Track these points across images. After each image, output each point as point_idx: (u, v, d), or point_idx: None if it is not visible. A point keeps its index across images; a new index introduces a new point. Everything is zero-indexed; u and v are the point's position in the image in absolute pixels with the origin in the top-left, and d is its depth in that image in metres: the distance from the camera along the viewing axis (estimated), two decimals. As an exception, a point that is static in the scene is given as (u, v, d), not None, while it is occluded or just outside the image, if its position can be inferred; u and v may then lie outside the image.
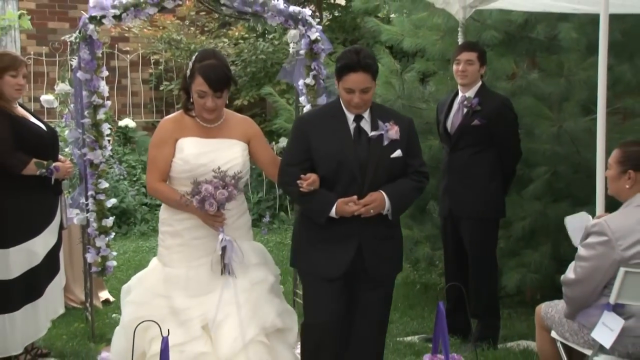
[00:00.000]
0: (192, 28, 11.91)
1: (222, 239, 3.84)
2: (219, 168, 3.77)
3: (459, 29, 6.00)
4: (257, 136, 4.12)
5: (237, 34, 11.70)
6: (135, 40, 11.84)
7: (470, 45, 5.36)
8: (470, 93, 5.20)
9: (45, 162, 4.65)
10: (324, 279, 3.82)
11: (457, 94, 5.30)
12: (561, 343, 3.86)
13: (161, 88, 11.86)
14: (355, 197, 3.71)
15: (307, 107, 5.68)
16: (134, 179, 10.14)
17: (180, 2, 5.56)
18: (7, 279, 4.63)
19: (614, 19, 4.82)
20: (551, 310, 3.94)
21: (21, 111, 4.75)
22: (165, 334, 3.23)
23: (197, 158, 3.88)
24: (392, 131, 3.77)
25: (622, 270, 3.47)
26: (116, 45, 11.60)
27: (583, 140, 5.65)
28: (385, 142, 3.78)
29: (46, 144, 4.76)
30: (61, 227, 4.98)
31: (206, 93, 3.83)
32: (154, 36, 11.59)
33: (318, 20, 6.10)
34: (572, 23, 5.88)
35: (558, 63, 6.08)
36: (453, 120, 5.26)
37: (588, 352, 3.68)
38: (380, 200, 3.74)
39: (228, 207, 3.86)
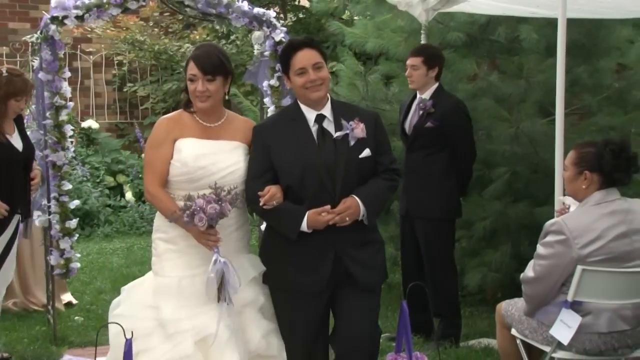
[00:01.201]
0: (155, 29, 11.84)
1: (217, 260, 3.44)
2: (215, 183, 3.42)
3: (422, 31, 6.05)
4: None
5: (198, 37, 11.67)
6: (98, 41, 11.74)
7: (415, 50, 5.38)
8: (426, 95, 5.25)
9: None
10: (303, 294, 3.57)
11: (415, 95, 5.36)
12: (521, 340, 3.91)
13: (125, 89, 11.77)
14: (327, 206, 3.46)
15: (271, 109, 5.69)
16: (97, 180, 10.04)
17: (144, 3, 5.52)
18: None
19: (572, 22, 4.91)
20: (511, 308, 3.99)
21: (5, 130, 4.71)
22: (129, 336, 3.22)
23: (196, 160, 3.55)
24: (358, 129, 3.53)
25: (579, 268, 3.53)
26: (79, 46, 11.49)
27: (541, 141, 5.73)
28: (352, 142, 3.54)
29: (14, 161, 4.70)
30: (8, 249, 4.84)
31: (196, 76, 3.53)
32: (117, 37, 11.49)
33: (282, 21, 6.11)
34: (531, 25, 5.97)
35: (518, 65, 6.17)
36: (410, 122, 5.32)
37: (547, 348, 3.72)
38: (354, 207, 3.49)
39: (229, 217, 3.50)
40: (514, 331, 3.96)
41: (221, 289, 3.46)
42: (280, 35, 5.61)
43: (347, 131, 3.55)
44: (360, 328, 3.59)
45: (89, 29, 11.17)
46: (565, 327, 3.58)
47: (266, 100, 5.79)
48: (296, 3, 12.33)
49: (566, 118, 4.67)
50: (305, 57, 3.52)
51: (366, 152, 3.57)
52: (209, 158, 3.56)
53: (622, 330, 3.64)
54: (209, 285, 3.46)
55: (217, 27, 10.24)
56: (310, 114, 3.60)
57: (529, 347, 3.91)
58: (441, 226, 5.27)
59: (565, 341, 3.58)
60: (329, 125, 3.60)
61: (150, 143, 3.68)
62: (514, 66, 6.19)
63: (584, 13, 5.60)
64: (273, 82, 5.68)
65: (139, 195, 9.78)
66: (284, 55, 3.60)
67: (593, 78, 6.15)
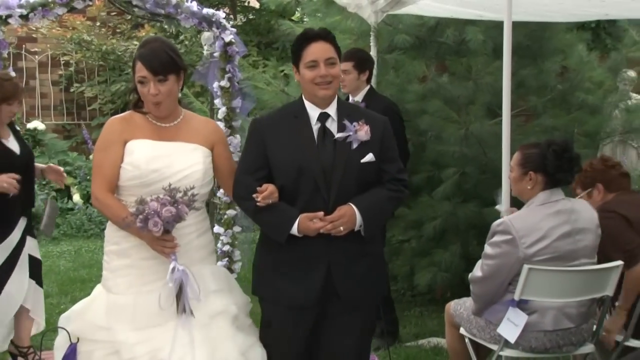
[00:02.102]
0: (103, 29, 11.68)
1: (174, 268, 3.17)
2: (169, 185, 3.16)
3: (371, 32, 6.09)
4: (221, 142, 3.53)
5: (145, 35, 11.56)
6: (43, 40, 11.53)
7: (346, 55, 5.32)
8: (359, 98, 5.29)
9: None
10: (291, 308, 3.32)
11: (348, 97, 5.38)
12: (469, 339, 3.96)
13: (72, 90, 11.58)
14: (320, 213, 3.21)
15: (222, 110, 5.65)
16: (44, 182, 9.84)
17: (91, 3, 5.43)
18: None
19: (518, 24, 4.99)
20: (460, 307, 4.04)
21: (2, 134, 4.60)
22: (74, 341, 3.17)
23: (149, 162, 3.27)
24: (362, 131, 3.26)
25: (525, 267, 3.58)
26: (23, 46, 11.27)
27: (489, 142, 5.82)
28: (354, 145, 3.26)
29: (14, 165, 4.54)
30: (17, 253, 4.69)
31: (146, 78, 3.26)
32: (64, 37, 11.30)
33: (232, 22, 6.08)
34: (479, 27, 6.05)
35: (466, 66, 6.25)
36: None
37: (494, 347, 3.78)
38: (350, 216, 3.22)
39: (184, 224, 3.23)
40: (462, 330, 4.00)
41: (180, 299, 3.21)
42: (229, 36, 5.58)
43: (350, 133, 3.28)
44: (342, 350, 3.40)
45: (34, 28, 10.96)
46: (512, 325, 3.63)
47: (216, 101, 5.75)
48: (246, 4, 12.30)
49: (513, 119, 4.74)
50: (318, 49, 3.27)
51: (369, 157, 3.28)
52: (162, 160, 3.30)
53: (566, 328, 3.71)
54: (165, 295, 3.20)
55: (166, 27, 10.14)
56: (313, 112, 3.34)
57: (477, 346, 3.96)
58: None
59: (512, 339, 3.64)
60: (331, 125, 3.33)
61: (99, 145, 3.42)
62: (462, 68, 6.26)
63: (529, 16, 5.69)
64: (223, 83, 5.63)
65: (87, 198, 9.63)
66: (296, 45, 3.33)
67: (538, 80, 6.27)
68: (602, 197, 4.12)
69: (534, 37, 6.26)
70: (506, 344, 3.69)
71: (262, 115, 3.67)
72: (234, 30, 5.68)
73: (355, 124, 3.28)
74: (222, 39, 5.58)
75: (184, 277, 3.19)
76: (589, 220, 3.78)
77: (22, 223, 4.67)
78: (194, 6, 5.45)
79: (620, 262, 3.79)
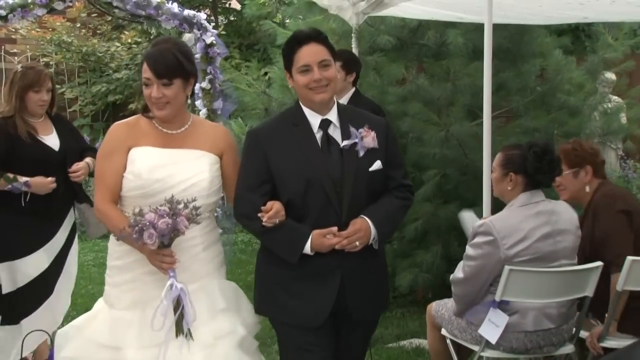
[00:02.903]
0: (83, 30, 11.61)
1: (172, 285, 2.94)
2: (172, 196, 2.92)
3: (352, 34, 6.08)
4: (230, 149, 3.28)
5: (130, 39, 11.50)
6: (23, 41, 11.44)
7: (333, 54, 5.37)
8: (344, 100, 5.23)
9: (12, 176, 4.32)
10: (304, 327, 3.08)
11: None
12: (451, 340, 3.96)
13: (52, 91, 11.49)
14: (334, 228, 3.00)
15: (203, 111, 5.64)
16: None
17: (71, 4, 5.41)
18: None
19: (498, 27, 5.00)
20: (441, 308, 4.04)
21: (35, 127, 4.48)
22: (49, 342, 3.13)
23: (151, 172, 3.05)
24: (368, 138, 3.07)
25: (506, 268, 3.58)
26: (3, 47, 11.17)
27: (470, 143, 5.83)
28: (361, 153, 3.07)
29: (50, 162, 4.44)
30: (65, 252, 4.62)
31: (150, 80, 3.04)
32: (43, 38, 11.22)
33: (213, 24, 6.08)
34: (459, 29, 6.07)
35: (446, 68, 6.26)
36: None
37: (476, 348, 3.77)
38: (365, 230, 3.03)
39: (188, 236, 3.02)
40: (444, 331, 4.00)
41: (177, 320, 2.97)
42: (210, 37, 5.58)
43: (356, 140, 3.07)
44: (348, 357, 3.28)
45: (14, 30, 10.87)
46: (493, 326, 3.63)
47: (197, 102, 5.73)
48: (227, 6, 12.27)
49: (493, 120, 4.76)
50: (310, 52, 3.04)
51: (377, 165, 3.10)
52: (166, 169, 3.07)
53: (547, 329, 3.71)
54: (159, 313, 2.95)
55: (147, 29, 10.11)
56: (314, 119, 3.12)
57: (458, 347, 3.96)
58: None
59: (493, 340, 3.64)
60: (334, 132, 3.12)
61: (102, 152, 3.20)
62: (442, 70, 6.28)
63: (508, 19, 5.72)
64: (204, 84, 5.64)
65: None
66: (287, 49, 3.11)
67: (518, 81, 6.30)
68: (589, 180, 4.08)
69: (513, 40, 6.30)
70: (487, 344, 3.68)
71: (259, 125, 3.41)
72: (215, 32, 5.68)
73: (361, 130, 3.08)
74: (203, 40, 5.58)
75: (182, 296, 2.95)
76: (569, 221, 3.79)
77: (67, 224, 4.61)
78: (175, 8, 5.45)
79: (599, 263, 3.81)
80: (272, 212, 2.94)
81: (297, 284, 3.08)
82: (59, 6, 5.23)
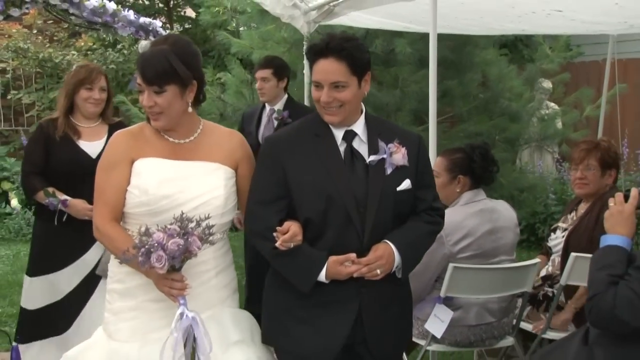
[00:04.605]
0: (40, 37, 11.41)
1: (183, 314, 2.52)
2: (182, 213, 2.50)
3: (304, 42, 6.10)
4: (247, 159, 2.84)
5: (83, 44, 11.36)
6: (-21, 48, 11.20)
7: (264, 62, 5.31)
8: (279, 106, 5.22)
9: (51, 191, 3.95)
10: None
11: (264, 106, 5.32)
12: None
13: (9, 97, 11.28)
14: (353, 255, 2.60)
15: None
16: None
17: (27, 11, 5.32)
18: (29, 308, 4.11)
19: (442, 37, 5.07)
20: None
21: (79, 131, 4.06)
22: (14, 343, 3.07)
23: (159, 187, 2.62)
24: (398, 155, 2.68)
25: (451, 265, 3.62)
26: (-40, 53, 10.92)
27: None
28: (389, 170, 2.68)
29: (85, 170, 3.73)
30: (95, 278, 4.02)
31: (142, 86, 2.66)
32: None
33: (169, 31, 6.01)
34: (406, 39, 6.13)
35: (394, 76, 6.32)
36: (264, 132, 5.21)
37: (422, 342, 3.80)
38: (388, 256, 2.64)
39: (199, 260, 2.60)
40: (392, 326, 4.02)
41: (187, 353, 2.54)
42: (166, 44, 5.53)
43: (384, 155, 2.68)
44: None
45: (-30, 36, 10.64)
46: (438, 321, 3.67)
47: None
48: (182, 14, 12.20)
49: (439, 125, 4.81)
50: (324, 70, 2.62)
51: (406, 184, 2.70)
52: (176, 184, 2.64)
53: (489, 323, 3.77)
54: (168, 346, 2.51)
55: (104, 36, 9.99)
56: (337, 130, 2.71)
57: (406, 341, 3.98)
58: None
59: (438, 334, 3.67)
60: (360, 146, 2.72)
61: (102, 164, 2.76)
62: (391, 77, 6.33)
63: (452, 29, 5.80)
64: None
65: (25, 203, 9.39)
66: (308, 56, 2.72)
67: (462, 89, 6.40)
68: (612, 182, 4.00)
69: (457, 49, 6.40)
70: (433, 339, 3.72)
71: (277, 133, 2.93)
72: (171, 38, 5.62)
73: (390, 145, 2.68)
74: (159, 47, 5.52)
75: (194, 326, 2.53)
76: (509, 219, 3.86)
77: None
78: (131, 15, 5.40)
79: (537, 260, 3.89)
80: (289, 235, 2.56)
81: (308, 311, 2.68)
82: (15, 13, 5.13)
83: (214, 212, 2.63)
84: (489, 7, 4.91)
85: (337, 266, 2.60)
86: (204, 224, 2.49)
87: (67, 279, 4.04)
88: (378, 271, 2.62)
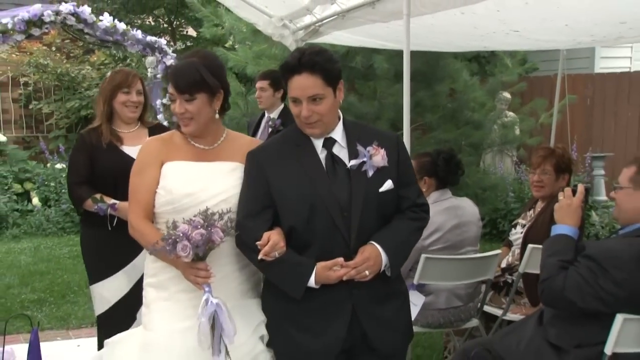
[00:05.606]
0: (58, 54, 11.36)
1: (208, 301, 2.41)
2: (207, 209, 2.43)
3: (292, 59, 6.08)
4: None
5: (97, 59, 11.32)
6: (4, 64, 11.14)
7: (263, 74, 5.29)
8: (274, 114, 5.22)
9: (99, 197, 3.59)
10: None
11: (264, 114, 5.31)
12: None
13: (30, 107, 11.24)
14: (340, 259, 2.42)
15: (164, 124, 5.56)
16: (6, 187, 9.51)
17: (47, 31, 5.26)
18: (101, 312, 3.72)
19: (415, 53, 5.07)
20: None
21: (121, 137, 3.70)
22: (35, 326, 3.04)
23: (182, 186, 2.57)
24: (378, 157, 2.48)
25: (423, 256, 3.62)
26: (-15, 69, 10.84)
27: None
28: (370, 173, 2.48)
29: (124, 172, 3.17)
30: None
31: (174, 95, 2.61)
32: (22, 61, 10.96)
33: (173, 48, 5.98)
34: (383, 55, 6.13)
35: (373, 88, 6.33)
36: (261, 138, 5.18)
37: (398, 323, 3.80)
38: (375, 257, 2.44)
39: (222, 254, 2.53)
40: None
41: (215, 338, 2.42)
42: (170, 60, 5.49)
43: (364, 159, 2.49)
44: None
45: (-5, 53, 10.56)
46: (412, 305, 3.65)
47: (159, 117, 5.65)
48: (185, 33, 12.17)
49: (412, 133, 4.81)
50: (300, 85, 2.43)
51: (388, 185, 2.51)
52: (197, 184, 2.58)
53: (457, 306, 3.78)
54: (200, 332, 2.41)
55: (115, 52, 9.95)
56: (317, 139, 2.54)
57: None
58: None
59: (412, 317, 3.66)
60: (340, 152, 2.53)
61: (135, 168, 2.72)
62: (369, 90, 6.34)
63: (424, 47, 5.80)
64: (165, 100, 5.56)
65: (45, 201, 9.33)
66: (282, 75, 2.51)
67: (432, 100, 6.41)
68: (558, 187, 3.91)
69: (429, 64, 6.41)
70: (407, 320, 3.72)
71: (259, 146, 2.68)
72: (174, 55, 5.60)
73: (369, 148, 2.49)
74: (164, 62, 5.50)
75: (219, 312, 2.41)
76: (473, 214, 3.87)
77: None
78: (139, 34, 5.35)
79: (498, 252, 3.89)
80: (268, 246, 2.35)
81: (305, 317, 2.50)
82: (35, 32, 5.07)
83: (234, 208, 2.55)
84: (455, 28, 4.92)
85: (325, 271, 2.43)
86: (225, 217, 2.42)
87: (120, 283, 3.69)
88: (366, 272, 2.43)
